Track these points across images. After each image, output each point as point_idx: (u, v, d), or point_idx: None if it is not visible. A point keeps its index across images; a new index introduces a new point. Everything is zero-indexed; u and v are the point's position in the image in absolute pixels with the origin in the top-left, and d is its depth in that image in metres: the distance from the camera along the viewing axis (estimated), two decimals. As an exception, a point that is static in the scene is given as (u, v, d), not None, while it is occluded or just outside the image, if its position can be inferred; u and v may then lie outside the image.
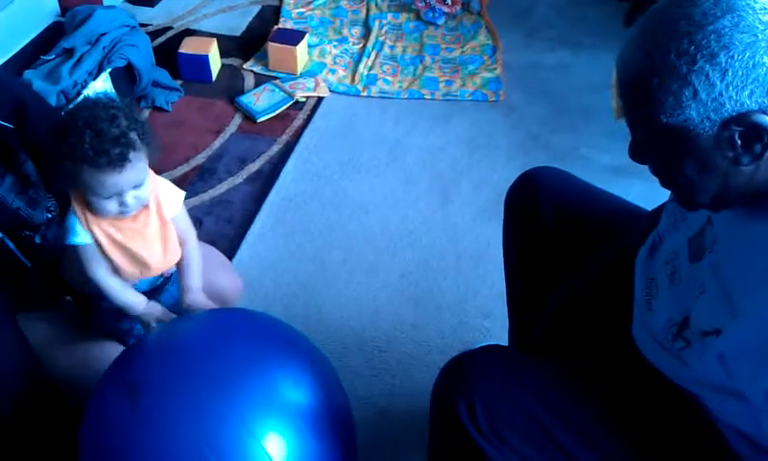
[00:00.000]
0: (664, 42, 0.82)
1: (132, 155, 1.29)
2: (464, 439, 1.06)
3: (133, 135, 1.30)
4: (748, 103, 0.79)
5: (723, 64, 0.78)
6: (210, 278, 1.73)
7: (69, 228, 1.37)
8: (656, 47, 0.83)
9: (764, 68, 0.78)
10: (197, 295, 1.50)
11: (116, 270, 1.42)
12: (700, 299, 0.96)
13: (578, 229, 1.34)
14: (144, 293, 1.51)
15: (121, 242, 1.40)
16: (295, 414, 1.19)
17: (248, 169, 2.35)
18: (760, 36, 0.78)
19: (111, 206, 1.33)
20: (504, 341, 1.62)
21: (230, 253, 2.06)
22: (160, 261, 1.46)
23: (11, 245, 1.54)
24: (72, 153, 1.27)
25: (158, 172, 2.26)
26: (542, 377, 1.10)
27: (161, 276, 1.53)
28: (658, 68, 0.82)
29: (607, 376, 1.13)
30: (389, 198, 2.26)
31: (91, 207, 1.36)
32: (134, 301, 1.45)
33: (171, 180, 2.27)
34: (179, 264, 1.54)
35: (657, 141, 0.88)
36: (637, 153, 0.94)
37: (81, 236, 1.37)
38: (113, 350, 1.55)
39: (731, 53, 0.78)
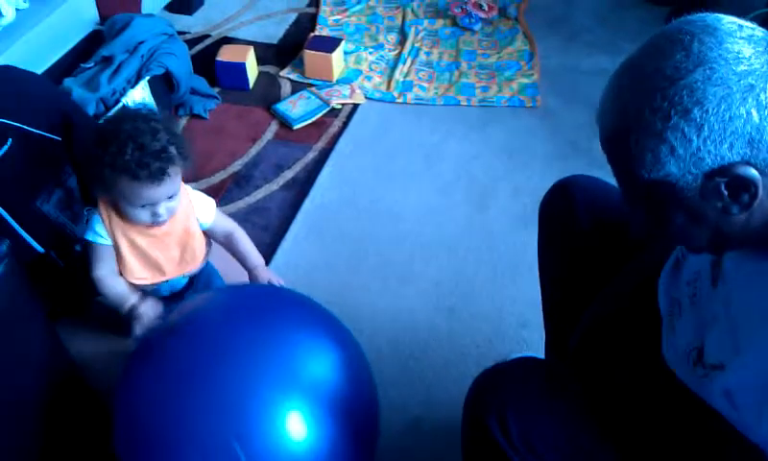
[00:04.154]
0: (638, 99, 0.80)
1: (170, 169, 1.32)
2: (496, 453, 1.04)
3: (173, 150, 1.34)
4: (729, 155, 0.77)
5: (698, 120, 0.76)
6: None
7: (90, 225, 1.41)
8: (630, 104, 0.81)
9: (741, 120, 0.75)
10: (262, 271, 1.56)
11: (128, 271, 1.44)
12: (713, 329, 0.94)
13: (614, 238, 1.31)
14: (165, 298, 1.54)
15: (141, 247, 1.43)
16: (317, 395, 1.19)
17: (284, 176, 2.36)
18: (734, 88, 0.75)
19: (144, 215, 1.36)
20: (541, 351, 1.60)
21: (267, 259, 2.05)
22: (175, 268, 1.49)
23: (54, 256, 1.57)
24: (113, 162, 1.30)
25: (196, 179, 2.31)
26: (577, 394, 1.08)
27: (185, 280, 1.55)
28: (634, 126, 0.80)
29: (641, 393, 1.11)
30: (424, 205, 2.24)
31: (120, 213, 1.38)
32: (127, 296, 1.45)
33: (208, 187, 2.31)
34: (235, 255, 1.57)
35: (643, 195, 0.86)
36: (627, 205, 0.92)
37: (98, 235, 1.40)
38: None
39: (705, 107, 0.76)
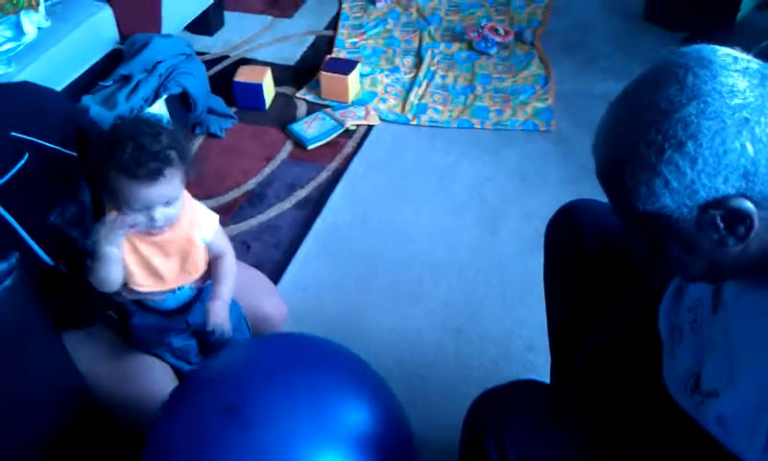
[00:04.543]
0: (633, 132, 0.80)
1: (167, 171, 1.34)
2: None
3: (173, 154, 1.35)
4: (723, 188, 0.77)
5: (692, 153, 0.76)
6: (255, 302, 1.76)
7: (93, 230, 1.42)
8: (625, 137, 0.81)
9: (736, 153, 0.75)
10: (220, 304, 1.52)
11: (130, 278, 1.46)
12: (711, 356, 0.94)
13: (619, 262, 1.30)
14: (172, 311, 1.55)
15: (142, 253, 1.44)
16: (354, 448, 1.19)
17: (296, 195, 2.38)
18: (729, 122, 0.75)
19: (140, 218, 1.37)
20: (548, 375, 1.59)
21: (276, 277, 2.08)
22: (175, 277, 1.50)
23: (63, 269, 1.59)
24: (112, 161, 1.33)
25: (210, 197, 2.34)
26: (577, 420, 1.08)
27: (191, 292, 1.56)
28: (628, 159, 0.81)
29: (643, 419, 1.10)
30: (435, 227, 2.25)
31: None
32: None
33: (221, 204, 2.34)
34: (213, 275, 1.57)
35: (640, 226, 0.86)
36: (626, 234, 0.92)
37: None
38: (150, 363, 1.58)
39: (699, 141, 0.76)
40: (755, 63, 0.80)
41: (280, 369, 1.28)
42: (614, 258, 1.31)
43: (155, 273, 1.49)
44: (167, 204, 1.38)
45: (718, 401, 0.89)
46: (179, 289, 1.55)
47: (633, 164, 0.80)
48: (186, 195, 1.51)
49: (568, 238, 1.35)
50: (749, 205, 0.77)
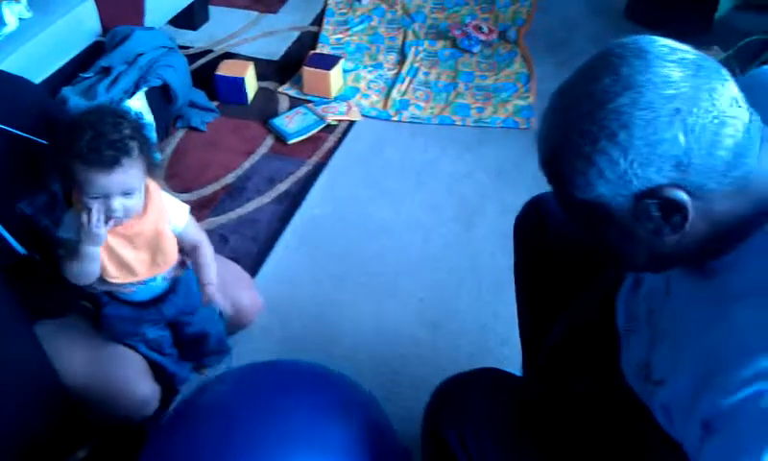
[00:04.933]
0: (569, 122, 0.81)
1: (124, 160, 1.34)
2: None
3: (132, 144, 1.36)
4: (656, 178, 0.77)
5: (624, 143, 0.77)
6: (231, 293, 1.76)
7: (63, 221, 1.43)
8: (563, 127, 0.82)
9: (668, 144, 0.76)
10: (210, 289, 1.57)
11: (102, 271, 1.46)
12: (660, 345, 0.95)
13: (584, 256, 1.31)
14: (146, 302, 1.56)
15: (111, 245, 1.44)
16: None
17: (276, 189, 2.38)
18: (661, 112, 0.76)
19: (97, 205, 1.37)
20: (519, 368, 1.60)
21: (253, 270, 2.08)
22: (146, 269, 1.50)
23: (36, 258, 1.58)
24: (69, 147, 1.33)
25: (189, 189, 2.34)
26: (531, 408, 1.08)
27: (165, 284, 1.57)
28: (565, 148, 0.82)
29: (600, 410, 1.11)
30: (413, 222, 2.26)
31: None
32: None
33: (201, 198, 2.34)
34: (195, 266, 1.58)
35: (580, 215, 0.87)
36: (570, 223, 0.93)
37: (68, 230, 1.42)
38: (123, 353, 1.58)
39: (630, 131, 0.76)
40: (691, 54, 0.80)
41: (272, 398, 1.28)
42: (577, 253, 1.32)
43: (125, 265, 1.49)
44: (126, 194, 1.38)
45: (663, 390, 0.90)
46: (151, 280, 1.55)
47: (569, 154, 0.81)
48: (155, 187, 1.51)
49: (536, 231, 1.36)
50: (682, 195, 0.78)
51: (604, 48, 0.84)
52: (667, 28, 2.83)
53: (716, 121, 0.76)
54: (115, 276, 1.49)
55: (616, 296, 1.17)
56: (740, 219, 0.81)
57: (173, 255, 1.54)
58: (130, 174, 1.36)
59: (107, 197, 1.36)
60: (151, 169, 1.43)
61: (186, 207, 1.57)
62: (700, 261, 0.86)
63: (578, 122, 0.80)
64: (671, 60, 0.78)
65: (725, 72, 0.80)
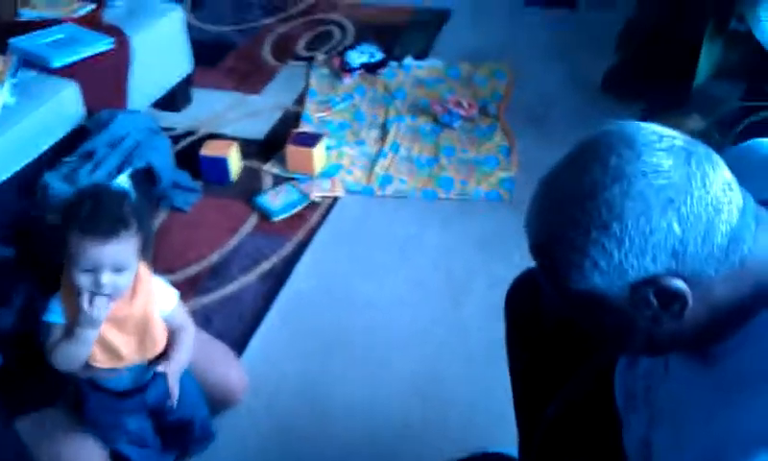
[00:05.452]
0: (559, 214, 0.80)
1: (122, 233, 1.33)
2: None
3: (131, 220, 1.35)
4: (653, 267, 0.76)
5: (618, 234, 0.75)
6: (217, 371, 1.73)
7: (49, 306, 1.40)
8: (552, 218, 0.81)
9: (662, 233, 0.75)
10: (174, 365, 1.52)
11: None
12: (661, 425, 0.93)
13: (580, 330, 1.30)
14: (129, 391, 1.52)
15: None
16: None
17: (261, 268, 2.36)
18: (653, 202, 0.75)
19: (87, 281, 1.35)
20: (513, 445, 1.56)
21: (239, 349, 2.05)
22: (133, 354, 1.47)
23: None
24: (68, 216, 1.32)
25: (173, 271, 2.31)
26: None
27: (148, 373, 1.53)
28: (557, 240, 0.80)
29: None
30: (399, 297, 2.24)
31: (71, 283, 1.37)
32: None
33: (184, 278, 2.32)
34: (170, 342, 1.55)
35: (575, 304, 0.86)
36: (565, 310, 0.91)
37: (52, 312, 1.40)
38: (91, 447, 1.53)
39: (624, 222, 0.75)
40: (679, 140, 0.79)
41: None
42: (577, 325, 1.30)
43: (111, 349, 1.46)
44: (117, 270, 1.36)
45: None
46: (136, 366, 1.52)
47: (561, 246, 0.80)
48: (145, 271, 1.49)
49: (528, 304, 1.34)
50: (680, 284, 0.77)
51: (590, 136, 0.83)
52: (647, 100, 2.91)
53: (710, 208, 0.75)
54: (101, 360, 1.45)
55: (614, 370, 1.15)
56: (739, 303, 0.80)
57: (161, 341, 1.51)
58: (124, 248, 1.35)
59: (97, 270, 1.34)
60: (145, 252, 1.42)
61: (175, 292, 1.55)
62: (700, 346, 0.84)
63: (568, 214, 0.79)
64: (660, 149, 0.77)
65: (716, 157, 0.80)
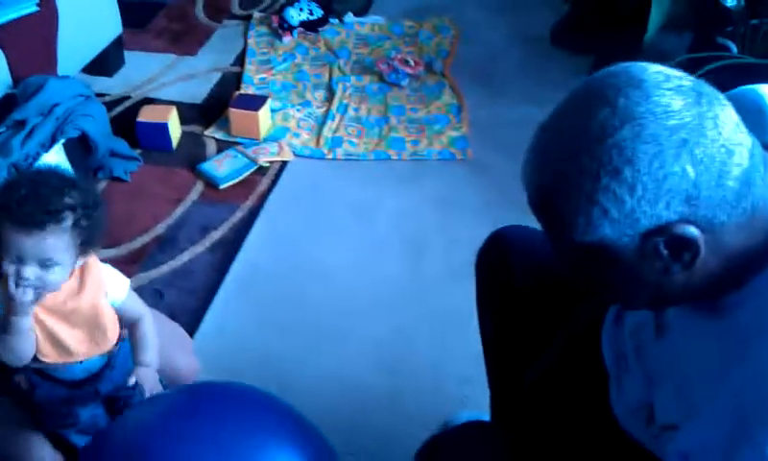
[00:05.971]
0: (565, 160, 0.76)
1: (49, 226, 1.22)
2: None
3: (66, 214, 1.24)
4: (666, 214, 0.72)
5: (630, 180, 0.71)
6: (167, 356, 1.64)
7: None
8: (557, 166, 0.77)
9: (676, 177, 0.71)
10: (147, 371, 1.44)
11: (36, 349, 1.33)
12: (661, 387, 0.90)
13: (554, 290, 1.26)
14: (81, 381, 1.43)
15: (43, 322, 1.32)
16: None
17: (210, 237, 2.26)
18: (666, 144, 0.71)
19: (10, 271, 1.24)
20: (484, 407, 1.53)
21: (194, 325, 1.96)
22: (84, 349, 1.38)
23: None
24: (1, 200, 1.22)
25: (117, 244, 2.20)
26: None
27: (101, 360, 1.44)
28: (562, 188, 0.76)
29: (590, 455, 1.05)
30: (358, 262, 2.18)
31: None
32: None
33: (129, 251, 2.20)
34: (132, 342, 1.47)
35: (578, 258, 0.81)
36: (563, 266, 0.87)
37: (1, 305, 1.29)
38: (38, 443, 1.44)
39: (636, 166, 0.71)
40: (687, 80, 0.76)
41: (186, 418, 1.18)
42: (547, 287, 1.26)
43: (60, 344, 1.36)
44: (44, 266, 1.25)
45: (679, 436, 0.84)
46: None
47: (567, 195, 0.75)
48: (94, 260, 1.39)
49: (498, 266, 1.30)
50: (693, 230, 0.73)
51: (591, 79, 0.78)
52: (597, 52, 2.89)
53: (723, 150, 0.72)
54: (49, 355, 1.35)
55: (596, 332, 1.12)
56: (751, 251, 0.76)
57: (113, 333, 1.41)
58: (50, 243, 1.23)
59: (21, 262, 1.23)
60: (94, 243, 1.32)
61: (126, 280, 1.45)
62: (709, 298, 0.81)
63: (575, 160, 0.74)
64: (668, 89, 0.74)
65: (722, 97, 0.76)
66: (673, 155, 0.71)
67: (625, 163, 0.71)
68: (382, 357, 1.88)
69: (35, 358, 1.35)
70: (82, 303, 1.35)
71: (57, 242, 1.24)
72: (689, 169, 0.71)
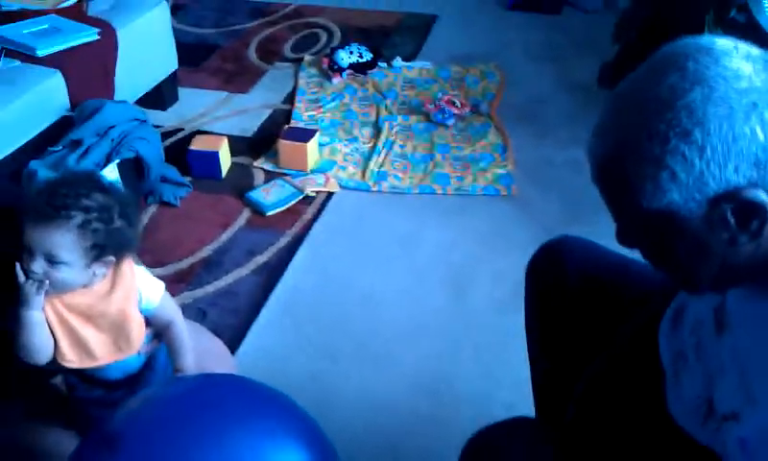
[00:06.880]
0: (634, 125, 0.76)
1: (59, 223, 1.23)
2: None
3: (76, 213, 1.24)
4: (734, 178, 0.72)
5: (699, 142, 0.71)
6: (206, 369, 1.64)
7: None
8: (625, 131, 0.77)
9: (746, 140, 0.71)
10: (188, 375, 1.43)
11: (57, 350, 1.33)
12: (722, 379, 0.87)
13: (609, 298, 1.25)
14: (119, 381, 1.43)
15: (68, 322, 1.32)
16: None
17: (255, 261, 2.28)
18: (736, 107, 0.71)
19: (25, 260, 1.26)
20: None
21: (235, 343, 1.96)
22: (106, 353, 1.38)
23: None
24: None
25: (163, 264, 2.22)
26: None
27: (140, 360, 1.45)
28: (630, 153, 0.76)
29: (646, 456, 1.02)
30: (400, 290, 2.17)
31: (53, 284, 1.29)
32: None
33: (175, 271, 2.23)
34: (169, 348, 1.47)
35: (643, 228, 0.81)
36: (625, 240, 0.87)
37: None
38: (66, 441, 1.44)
39: (706, 128, 0.71)
40: (755, 50, 0.77)
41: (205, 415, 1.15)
42: (601, 297, 1.25)
43: (82, 346, 1.35)
44: (51, 262, 1.26)
45: (739, 424, 0.81)
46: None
47: (635, 159, 0.75)
48: (128, 266, 1.39)
49: (551, 276, 1.29)
50: (763, 195, 0.72)
51: (664, 48, 0.79)
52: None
53: None
54: (70, 358, 1.35)
55: (651, 335, 1.10)
56: None
57: (137, 341, 1.40)
58: (54, 239, 1.24)
59: (30, 253, 1.24)
60: (125, 249, 1.34)
61: (162, 284, 1.45)
62: (761, 277, 0.79)
63: (644, 123, 0.74)
64: (737, 56, 0.74)
65: None
66: (743, 118, 0.71)
67: (695, 125, 0.71)
68: (424, 382, 1.86)
69: (54, 362, 1.35)
70: (110, 307, 1.34)
71: (61, 239, 1.24)
72: (759, 132, 0.71)
